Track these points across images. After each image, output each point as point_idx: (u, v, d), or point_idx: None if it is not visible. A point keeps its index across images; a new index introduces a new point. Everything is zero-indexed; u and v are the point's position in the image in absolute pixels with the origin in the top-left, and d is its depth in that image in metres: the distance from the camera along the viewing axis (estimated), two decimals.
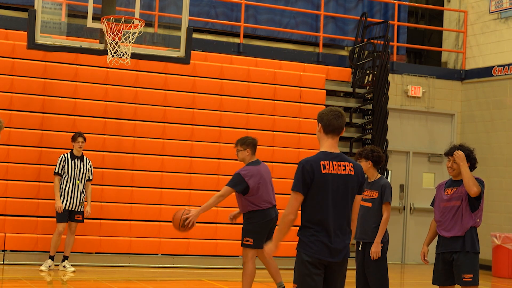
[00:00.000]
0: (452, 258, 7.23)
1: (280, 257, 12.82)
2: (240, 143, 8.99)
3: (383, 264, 7.86)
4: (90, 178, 11.66)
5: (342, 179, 5.40)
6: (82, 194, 11.48)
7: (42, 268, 11.42)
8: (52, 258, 11.49)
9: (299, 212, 5.46)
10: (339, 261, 5.44)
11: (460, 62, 16.66)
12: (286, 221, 5.36)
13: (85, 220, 11.74)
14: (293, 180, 5.42)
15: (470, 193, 7.12)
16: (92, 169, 11.72)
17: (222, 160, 13.57)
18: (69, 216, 11.45)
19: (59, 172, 11.42)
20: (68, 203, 11.36)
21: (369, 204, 7.88)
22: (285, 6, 15.79)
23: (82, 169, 11.50)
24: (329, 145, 5.46)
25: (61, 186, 11.40)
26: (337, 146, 5.50)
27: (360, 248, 7.96)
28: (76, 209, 11.43)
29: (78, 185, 11.44)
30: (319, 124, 5.47)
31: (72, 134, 11.83)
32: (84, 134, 11.81)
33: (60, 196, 11.38)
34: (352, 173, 5.46)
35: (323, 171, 5.34)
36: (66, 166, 11.43)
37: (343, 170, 5.41)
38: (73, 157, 11.52)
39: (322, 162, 5.36)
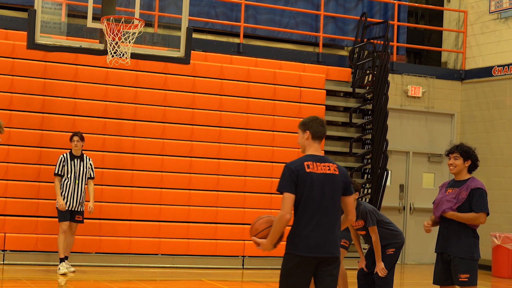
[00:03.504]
0: (450, 258, 7.25)
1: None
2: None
3: (390, 269, 8.19)
4: (92, 176, 11.58)
5: (327, 177, 5.64)
6: (82, 194, 11.44)
7: (64, 271, 11.15)
8: (63, 260, 11.26)
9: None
10: (328, 256, 5.58)
11: (460, 62, 16.66)
12: (283, 221, 5.53)
13: (85, 220, 11.72)
14: (279, 182, 5.63)
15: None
16: (93, 168, 11.67)
17: (222, 160, 13.57)
18: (69, 216, 11.42)
19: (59, 172, 11.39)
20: (68, 203, 11.30)
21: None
22: (285, 6, 15.78)
23: (82, 169, 11.45)
24: (314, 149, 5.76)
25: (61, 186, 11.36)
26: (321, 150, 5.80)
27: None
28: (76, 209, 11.38)
29: (78, 185, 11.38)
30: (307, 131, 5.76)
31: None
32: (84, 134, 11.79)
33: (61, 196, 11.34)
34: (337, 172, 5.70)
35: (307, 170, 5.61)
36: (66, 167, 11.38)
37: (328, 170, 5.68)
38: (73, 157, 11.46)
39: (306, 163, 5.64)
